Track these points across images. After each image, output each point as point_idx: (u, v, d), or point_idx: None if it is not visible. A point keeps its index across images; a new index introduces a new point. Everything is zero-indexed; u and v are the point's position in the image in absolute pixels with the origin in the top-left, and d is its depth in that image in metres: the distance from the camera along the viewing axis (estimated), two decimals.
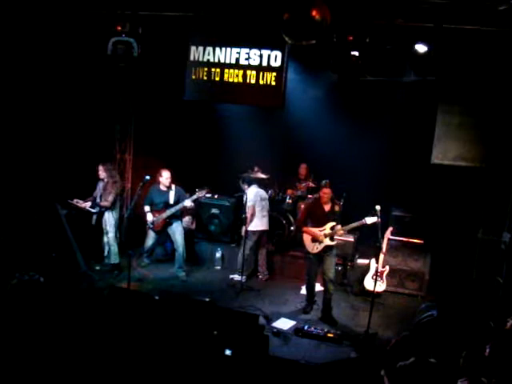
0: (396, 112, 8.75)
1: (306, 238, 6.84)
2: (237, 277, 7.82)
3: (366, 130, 9.01)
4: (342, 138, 9.14)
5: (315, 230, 6.71)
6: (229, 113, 9.38)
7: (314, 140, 9.15)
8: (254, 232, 7.82)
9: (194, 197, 7.70)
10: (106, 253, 7.84)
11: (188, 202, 7.61)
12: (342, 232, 6.68)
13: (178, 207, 7.68)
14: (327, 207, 6.74)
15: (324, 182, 6.73)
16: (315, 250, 6.69)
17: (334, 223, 6.71)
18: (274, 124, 9.59)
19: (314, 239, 6.71)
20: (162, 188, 7.79)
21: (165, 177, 7.73)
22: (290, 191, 9.07)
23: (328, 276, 6.73)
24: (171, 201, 7.80)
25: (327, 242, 6.66)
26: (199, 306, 5.37)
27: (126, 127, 9.32)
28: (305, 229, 6.82)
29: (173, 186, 7.83)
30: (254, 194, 7.81)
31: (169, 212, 7.70)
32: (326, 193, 6.65)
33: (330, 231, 6.66)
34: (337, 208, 6.73)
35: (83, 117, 8.50)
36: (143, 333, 5.01)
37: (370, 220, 6.40)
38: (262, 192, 7.91)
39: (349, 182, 8.52)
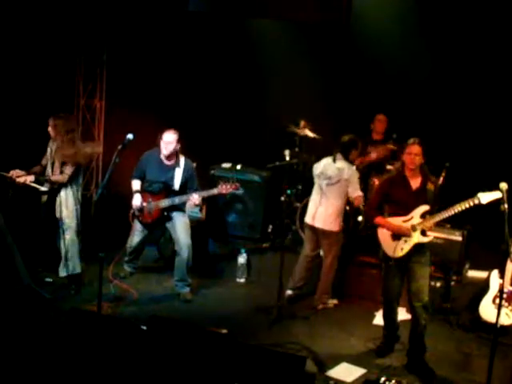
0: None
1: (383, 235, 6.64)
2: (289, 292, 7.75)
3: (496, 60, 8.36)
4: (449, 75, 8.60)
5: (397, 220, 6.53)
6: (260, 35, 9.09)
7: (399, 77, 8.79)
8: (305, 225, 7.71)
9: (214, 191, 7.45)
10: (63, 255, 7.50)
11: (196, 198, 7.40)
12: (431, 223, 6.34)
13: (183, 198, 7.50)
14: (416, 182, 6.53)
15: (412, 140, 6.42)
16: (398, 253, 6.50)
17: (426, 207, 6.46)
18: (333, 52, 9.18)
19: (396, 235, 6.53)
20: (165, 160, 7.50)
21: (166, 141, 7.29)
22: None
23: (419, 297, 6.46)
24: (176, 183, 7.52)
25: (418, 238, 6.46)
26: (211, 340, 5.39)
27: (94, 58, 8.87)
28: (379, 219, 6.62)
29: (181, 160, 7.56)
30: (316, 167, 7.68)
31: (169, 201, 7.53)
32: (415, 153, 6.37)
33: (421, 220, 6.45)
34: (431, 185, 6.55)
35: (23, 44, 8.05)
36: None
37: (485, 197, 5.98)
38: (332, 166, 7.62)
39: (458, 147, 8.20)
